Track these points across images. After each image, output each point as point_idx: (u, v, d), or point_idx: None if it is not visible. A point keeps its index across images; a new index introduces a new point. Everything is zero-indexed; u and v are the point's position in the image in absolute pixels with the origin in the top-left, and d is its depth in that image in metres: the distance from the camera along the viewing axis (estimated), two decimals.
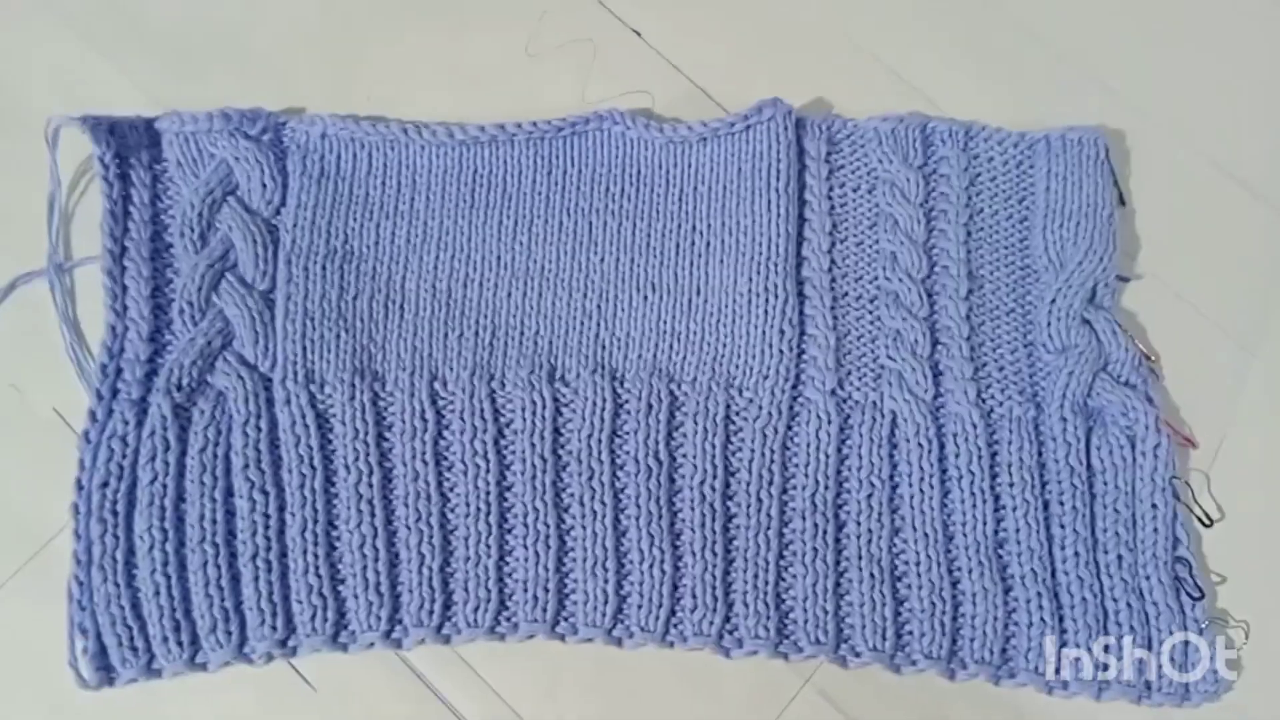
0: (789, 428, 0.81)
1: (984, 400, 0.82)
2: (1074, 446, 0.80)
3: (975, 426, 0.81)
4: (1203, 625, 0.76)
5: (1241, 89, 0.95)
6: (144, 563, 0.74)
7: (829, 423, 0.81)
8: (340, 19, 0.94)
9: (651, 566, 0.77)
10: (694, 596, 0.76)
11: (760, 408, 0.81)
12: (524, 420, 0.80)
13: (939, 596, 0.77)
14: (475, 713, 0.76)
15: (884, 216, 0.87)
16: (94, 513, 0.74)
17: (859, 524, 0.78)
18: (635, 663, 0.77)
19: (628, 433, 0.80)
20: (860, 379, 0.82)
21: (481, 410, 0.80)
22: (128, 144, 0.83)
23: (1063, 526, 0.78)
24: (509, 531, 0.78)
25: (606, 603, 0.76)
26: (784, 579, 0.77)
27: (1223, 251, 0.90)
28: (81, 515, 0.75)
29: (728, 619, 0.76)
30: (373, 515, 0.77)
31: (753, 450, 0.80)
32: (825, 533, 0.78)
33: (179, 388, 0.78)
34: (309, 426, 0.78)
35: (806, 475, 0.79)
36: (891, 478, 0.80)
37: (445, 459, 0.79)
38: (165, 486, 0.76)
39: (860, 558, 0.78)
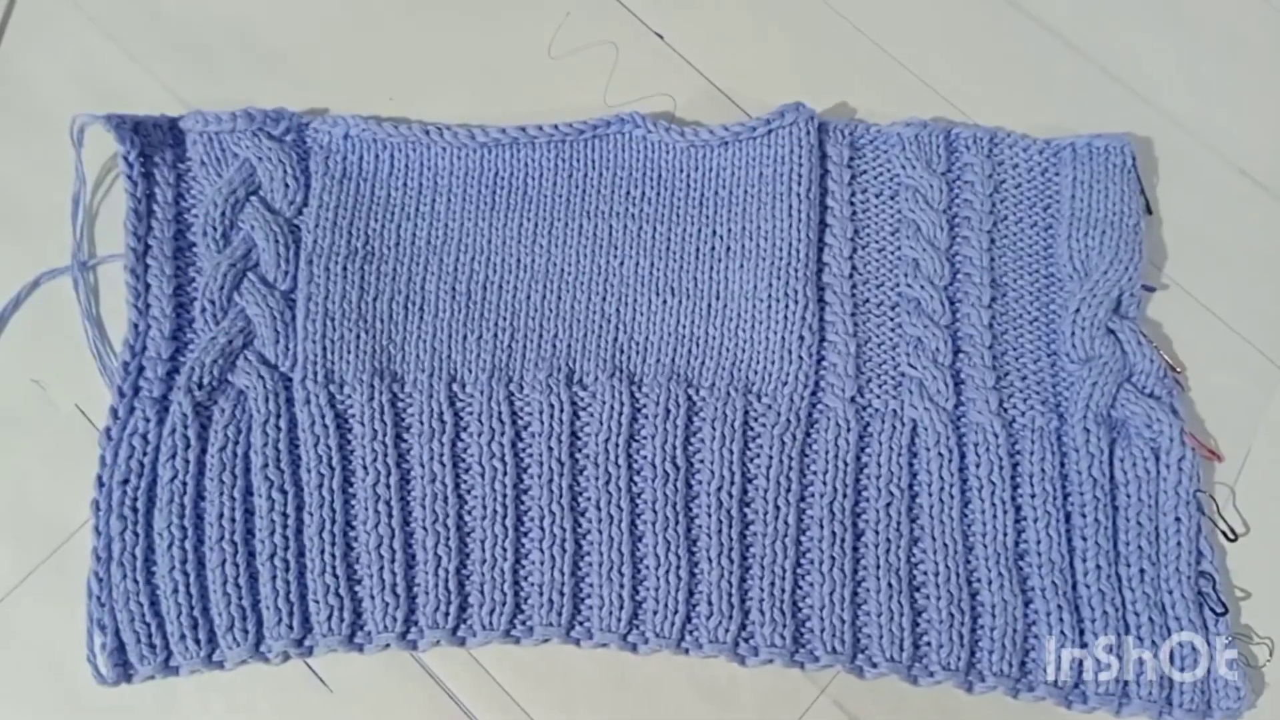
0: (808, 435, 0.80)
1: (1006, 410, 0.81)
2: (1097, 458, 0.79)
3: (997, 436, 0.80)
4: (1226, 642, 0.75)
5: (1271, 97, 0.94)
6: (163, 560, 0.74)
7: (848, 430, 0.80)
8: (364, 21, 0.94)
9: (667, 572, 0.76)
10: (710, 603, 0.76)
11: (779, 414, 0.80)
12: (541, 423, 0.80)
13: (958, 608, 0.76)
14: (489, 715, 0.76)
15: (906, 223, 0.86)
16: (114, 509, 0.75)
17: (877, 533, 0.78)
18: (650, 669, 0.77)
19: (645, 437, 0.80)
20: (880, 386, 0.82)
21: (499, 413, 0.80)
22: (152, 143, 0.84)
23: (1084, 539, 0.78)
24: (525, 535, 0.78)
25: (622, 608, 0.76)
26: (801, 587, 0.77)
27: (1251, 262, 0.88)
28: (102, 512, 0.75)
29: (743, 626, 0.76)
30: (390, 516, 0.77)
31: (771, 457, 0.79)
32: (843, 541, 0.77)
33: (200, 386, 0.78)
34: (328, 426, 0.78)
35: (825, 483, 0.79)
36: (911, 487, 0.79)
37: (463, 461, 0.79)
38: (185, 484, 0.76)
39: (878, 567, 0.77)
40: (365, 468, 0.78)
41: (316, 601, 0.75)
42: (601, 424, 0.80)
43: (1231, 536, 0.80)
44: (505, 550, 0.77)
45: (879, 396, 0.82)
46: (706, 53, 0.93)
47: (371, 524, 0.77)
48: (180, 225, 0.84)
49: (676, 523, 0.77)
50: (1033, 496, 0.79)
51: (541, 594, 0.76)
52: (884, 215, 0.87)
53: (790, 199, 0.85)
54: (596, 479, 0.78)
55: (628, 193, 0.86)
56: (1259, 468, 0.82)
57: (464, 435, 0.80)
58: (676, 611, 0.76)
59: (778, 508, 0.78)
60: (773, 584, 0.76)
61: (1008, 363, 0.83)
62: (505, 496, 0.78)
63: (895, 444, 0.80)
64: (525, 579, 0.77)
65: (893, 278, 0.85)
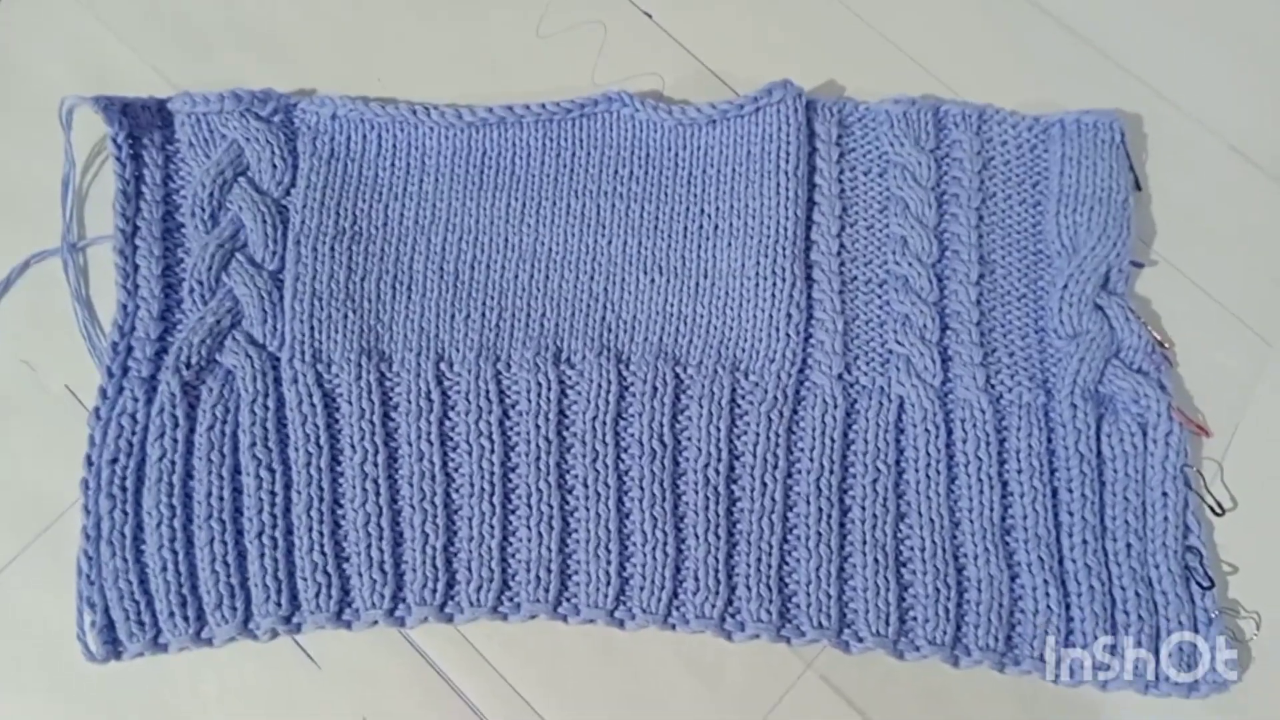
0: (795, 412, 0.80)
1: (993, 386, 0.81)
2: (1084, 433, 0.79)
3: (984, 412, 0.80)
4: (1212, 615, 0.75)
5: (1261, 73, 0.93)
6: (152, 538, 0.75)
7: (835, 407, 0.80)
8: (351, 1, 0.94)
9: (654, 549, 0.76)
10: (697, 579, 0.76)
11: (766, 391, 0.80)
12: (529, 402, 0.80)
13: (944, 582, 0.76)
14: (477, 691, 0.76)
15: (895, 200, 0.86)
16: (103, 488, 0.75)
17: (864, 509, 0.78)
18: (637, 645, 0.77)
19: (632, 415, 0.80)
20: (868, 364, 0.82)
21: (487, 391, 0.80)
22: (140, 124, 0.84)
23: (1071, 514, 0.78)
24: (513, 512, 0.78)
25: (609, 584, 0.76)
26: (787, 563, 0.77)
27: (1240, 238, 0.88)
28: (91, 491, 0.75)
29: (730, 602, 0.76)
30: (378, 494, 0.77)
31: (758, 434, 0.79)
32: (830, 517, 0.77)
33: (188, 366, 0.78)
34: (315, 405, 0.79)
35: (812, 459, 0.79)
36: (898, 463, 0.79)
37: (450, 439, 0.79)
38: (174, 463, 0.76)
39: (865, 543, 0.77)
40: (353, 446, 0.78)
41: (304, 579, 0.75)
42: (589, 402, 0.80)
43: (1219, 511, 0.79)
44: (493, 527, 0.77)
45: (866, 373, 0.82)
46: (694, 31, 0.93)
47: (359, 502, 0.77)
48: (169, 206, 0.84)
49: (663, 500, 0.77)
50: (1019, 472, 0.79)
51: (529, 570, 0.76)
52: (872, 193, 0.86)
53: (778, 177, 0.85)
54: (584, 457, 0.79)
55: (615, 171, 0.86)
56: (1247, 443, 0.82)
57: (451, 414, 0.80)
58: (663, 587, 0.76)
59: (765, 484, 0.78)
60: (759, 560, 0.76)
61: (995, 339, 0.83)
62: (493, 474, 0.78)
63: (882, 420, 0.80)
64: (513, 556, 0.77)
65: (881, 255, 0.85)
